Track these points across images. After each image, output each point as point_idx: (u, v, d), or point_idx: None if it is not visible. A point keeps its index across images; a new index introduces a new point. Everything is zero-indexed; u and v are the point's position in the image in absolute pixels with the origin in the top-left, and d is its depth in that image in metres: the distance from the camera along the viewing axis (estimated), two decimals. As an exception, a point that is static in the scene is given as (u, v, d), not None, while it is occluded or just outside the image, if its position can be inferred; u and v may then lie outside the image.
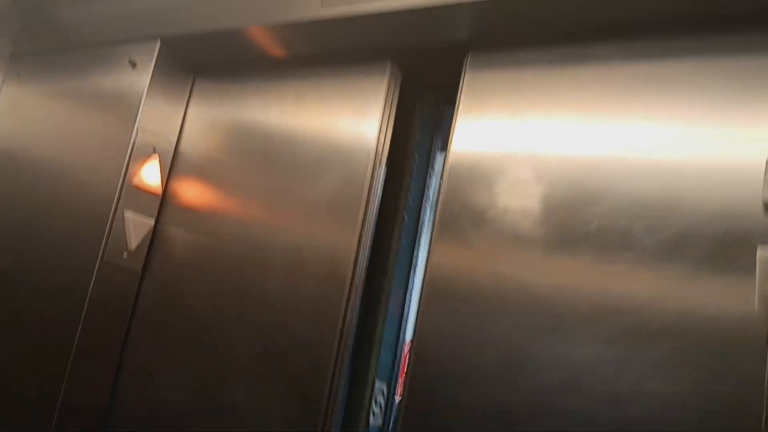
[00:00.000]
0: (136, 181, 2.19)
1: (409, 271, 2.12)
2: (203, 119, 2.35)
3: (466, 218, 1.71)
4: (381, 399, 2.01)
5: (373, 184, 1.90)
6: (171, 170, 2.33)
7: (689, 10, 1.51)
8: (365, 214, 1.88)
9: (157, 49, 2.26)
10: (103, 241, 2.12)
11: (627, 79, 1.59)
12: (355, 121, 1.98)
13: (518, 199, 1.65)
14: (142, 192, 2.22)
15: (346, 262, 1.85)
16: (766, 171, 1.29)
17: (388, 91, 1.95)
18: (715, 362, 1.32)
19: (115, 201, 2.14)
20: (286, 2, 1.98)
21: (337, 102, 2.04)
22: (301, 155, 2.05)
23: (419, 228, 2.15)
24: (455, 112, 1.82)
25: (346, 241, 1.86)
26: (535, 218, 1.61)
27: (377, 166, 1.91)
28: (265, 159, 2.13)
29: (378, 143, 1.92)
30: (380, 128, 1.93)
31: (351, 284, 1.83)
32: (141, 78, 2.27)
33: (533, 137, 1.68)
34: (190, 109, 2.39)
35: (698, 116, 1.47)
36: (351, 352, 1.85)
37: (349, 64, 2.04)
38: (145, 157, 2.23)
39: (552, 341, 1.50)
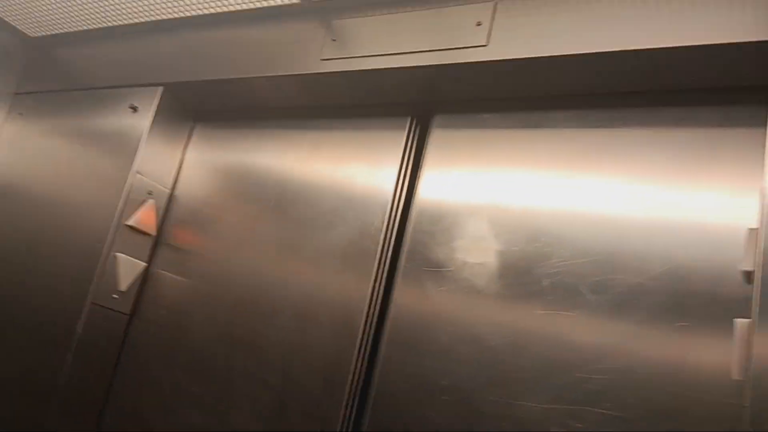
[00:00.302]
0: (130, 223, 2.21)
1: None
2: (203, 164, 2.38)
3: (427, 271, 1.77)
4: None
5: (388, 236, 1.89)
6: (166, 214, 2.36)
7: (636, 85, 1.63)
8: (379, 266, 1.86)
9: (158, 95, 2.31)
10: (94, 280, 2.13)
11: (579, 144, 1.69)
12: (372, 171, 1.99)
13: (476, 254, 1.72)
14: (136, 234, 2.24)
15: (358, 315, 1.83)
16: (747, 241, 1.32)
17: (407, 143, 1.97)
18: (654, 421, 1.38)
19: (108, 242, 2.16)
20: (287, 56, 2.05)
21: (355, 152, 2.05)
22: (315, 204, 2.05)
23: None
24: (420, 169, 1.91)
25: (359, 293, 1.85)
26: (491, 274, 1.68)
27: (393, 218, 1.91)
28: (276, 206, 2.13)
29: (395, 195, 1.92)
30: (398, 180, 1.94)
31: (363, 338, 1.81)
32: (141, 122, 2.31)
33: (492, 195, 1.76)
34: (188, 155, 2.43)
35: (644, 181, 1.57)
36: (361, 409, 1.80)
37: (369, 116, 2.07)
38: (141, 200, 2.26)
39: (502, 395, 1.55)
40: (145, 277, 2.28)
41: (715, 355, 1.38)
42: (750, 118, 1.49)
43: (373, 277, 1.85)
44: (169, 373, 2.10)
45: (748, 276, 1.29)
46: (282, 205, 2.11)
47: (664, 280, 1.47)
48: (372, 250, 1.88)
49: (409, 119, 1.98)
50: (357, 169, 2.02)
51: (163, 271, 2.27)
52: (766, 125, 1.41)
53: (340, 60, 1.93)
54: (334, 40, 1.96)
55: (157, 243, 2.32)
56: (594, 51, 1.54)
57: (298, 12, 2.07)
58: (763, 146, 1.38)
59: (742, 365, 1.23)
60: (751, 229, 1.32)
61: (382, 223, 1.89)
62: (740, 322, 1.28)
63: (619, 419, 1.41)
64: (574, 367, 1.50)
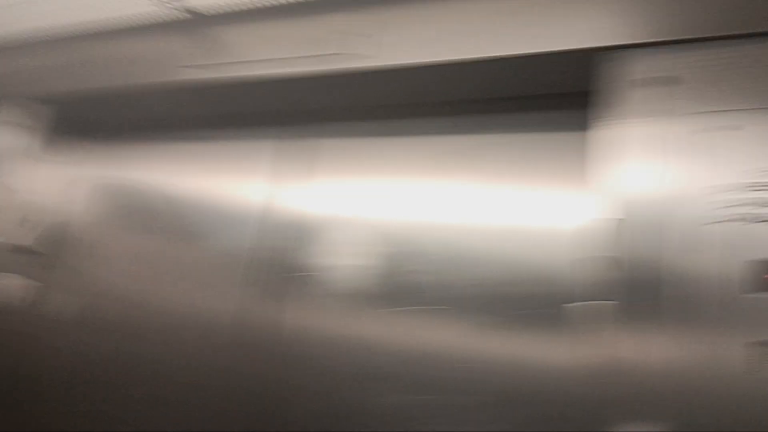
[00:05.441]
0: (8, 242, 2.15)
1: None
2: (81, 180, 2.32)
3: (288, 278, 1.81)
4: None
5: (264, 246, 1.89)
6: (47, 231, 2.26)
7: (484, 93, 1.71)
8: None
9: (32, 110, 2.25)
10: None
11: (430, 150, 1.77)
12: (243, 183, 2.00)
13: (346, 257, 1.77)
14: (14, 254, 2.18)
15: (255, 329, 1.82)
16: (614, 230, 1.38)
17: (278, 153, 1.98)
18: (512, 403, 1.47)
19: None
20: (144, 66, 2.00)
21: (227, 164, 2.05)
22: (194, 216, 2.04)
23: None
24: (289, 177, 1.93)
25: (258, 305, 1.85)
26: (360, 276, 1.73)
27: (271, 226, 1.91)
28: (149, 221, 2.10)
29: (271, 202, 1.93)
30: (272, 188, 1.94)
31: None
32: (14, 138, 2.24)
33: (356, 203, 1.81)
34: (65, 170, 2.36)
35: (494, 183, 1.66)
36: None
37: (239, 128, 2.07)
38: (18, 218, 2.19)
39: (368, 392, 1.61)
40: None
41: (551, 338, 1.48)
42: (570, 122, 1.60)
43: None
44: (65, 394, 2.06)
45: (612, 262, 1.34)
46: (169, 220, 2.08)
47: (520, 275, 1.55)
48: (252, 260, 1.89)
49: (279, 129, 2.00)
50: (233, 179, 2.02)
51: (44, 290, 2.20)
52: (586, 128, 1.52)
53: (201, 68, 1.89)
54: (198, 49, 1.93)
55: (37, 262, 2.24)
56: (445, 60, 1.57)
57: (159, 23, 2.01)
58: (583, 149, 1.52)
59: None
60: (615, 220, 1.38)
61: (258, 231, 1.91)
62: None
63: (486, 404, 1.49)
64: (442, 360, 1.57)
